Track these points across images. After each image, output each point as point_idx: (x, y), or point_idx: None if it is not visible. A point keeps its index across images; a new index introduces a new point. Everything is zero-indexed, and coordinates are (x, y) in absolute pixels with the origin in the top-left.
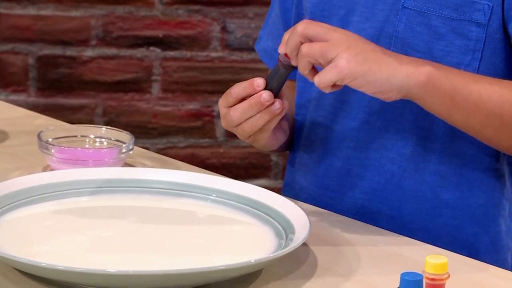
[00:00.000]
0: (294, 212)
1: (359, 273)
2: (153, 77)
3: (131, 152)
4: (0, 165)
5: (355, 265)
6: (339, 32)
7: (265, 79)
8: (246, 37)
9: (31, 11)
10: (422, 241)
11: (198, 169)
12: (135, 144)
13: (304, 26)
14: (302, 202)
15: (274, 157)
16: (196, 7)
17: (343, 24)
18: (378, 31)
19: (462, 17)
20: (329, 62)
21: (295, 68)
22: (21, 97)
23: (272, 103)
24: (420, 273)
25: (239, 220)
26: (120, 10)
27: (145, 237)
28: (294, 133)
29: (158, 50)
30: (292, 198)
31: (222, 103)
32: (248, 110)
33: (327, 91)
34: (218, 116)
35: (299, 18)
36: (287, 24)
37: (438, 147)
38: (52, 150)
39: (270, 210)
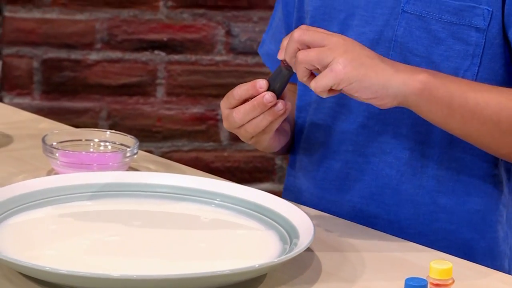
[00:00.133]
0: (299, 217)
1: (363, 279)
2: (158, 81)
3: (135, 156)
4: (5, 169)
5: (359, 270)
6: (336, 37)
7: (268, 80)
8: (251, 41)
9: (36, 14)
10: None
11: (202, 173)
12: (140, 147)
13: (300, 33)
14: (304, 206)
15: (278, 161)
16: (201, 11)
17: (343, 27)
18: (377, 35)
19: (461, 21)
20: (326, 67)
21: None
22: (26, 100)
23: (275, 104)
24: (425, 278)
25: (243, 225)
26: (125, 13)
27: (149, 241)
28: (295, 136)
29: (162, 54)
30: (292, 201)
31: (224, 105)
32: (251, 111)
33: (324, 95)
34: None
35: (300, 22)
36: (289, 28)
37: (436, 152)
38: (57, 154)
39: (274, 215)
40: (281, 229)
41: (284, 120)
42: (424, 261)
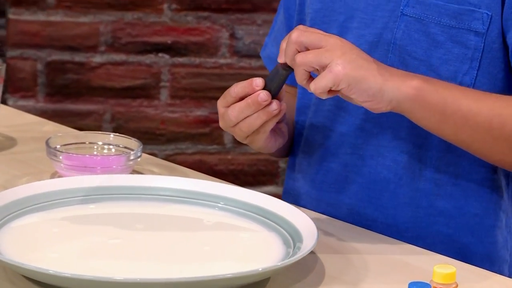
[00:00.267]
0: (302, 220)
1: (366, 282)
2: (162, 83)
3: (139, 159)
4: (8, 171)
5: (362, 274)
6: (333, 38)
7: (265, 80)
8: (255, 43)
9: (40, 17)
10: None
11: (206, 177)
12: (143, 150)
13: (298, 34)
14: (307, 210)
15: (282, 164)
16: (205, 13)
17: (343, 30)
18: (377, 37)
19: (460, 25)
20: (325, 68)
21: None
22: (30, 102)
23: (270, 104)
24: (428, 282)
25: (247, 228)
26: (129, 16)
27: (152, 245)
28: (295, 139)
29: (166, 57)
30: (291, 203)
31: (221, 103)
32: (245, 109)
33: (324, 97)
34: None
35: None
36: (290, 31)
37: (434, 155)
38: (60, 157)
39: (278, 218)
40: (285, 232)
41: (281, 121)
42: (427, 264)
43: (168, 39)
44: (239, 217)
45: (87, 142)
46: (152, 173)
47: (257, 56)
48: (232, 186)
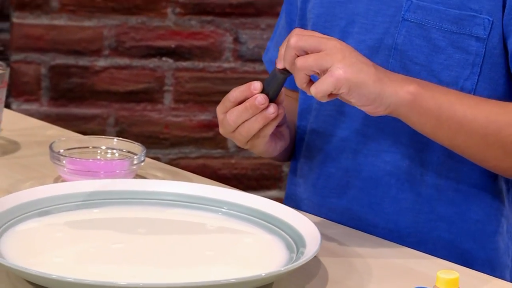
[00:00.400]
0: (305, 225)
1: (370, 287)
2: (165, 88)
3: (142, 164)
4: (12, 175)
5: (366, 279)
6: (333, 41)
7: (263, 83)
8: (259, 48)
9: (44, 20)
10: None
11: (209, 181)
12: (147, 154)
13: (296, 39)
14: (309, 214)
15: (285, 168)
16: (209, 17)
17: (344, 35)
18: (378, 43)
19: (462, 31)
20: (325, 71)
21: (291, 73)
22: (34, 106)
23: (267, 108)
24: None
25: (250, 233)
26: (133, 20)
27: (155, 249)
28: (296, 143)
29: (170, 61)
30: (293, 208)
31: (220, 109)
32: (243, 112)
33: (324, 100)
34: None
35: None
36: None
37: (435, 160)
38: (64, 161)
39: (281, 223)
40: (288, 237)
41: (282, 124)
42: (429, 269)
43: (172, 43)
44: (242, 221)
45: (90, 147)
46: (156, 177)
47: (260, 61)
48: (235, 191)
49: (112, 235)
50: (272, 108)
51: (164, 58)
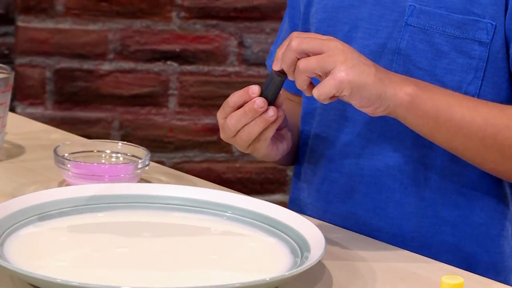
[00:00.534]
0: (309, 230)
1: None
2: (170, 91)
3: (147, 168)
4: (16, 179)
5: (370, 284)
6: (334, 42)
7: (261, 87)
8: (263, 52)
9: (49, 24)
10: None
11: (213, 185)
12: (151, 158)
13: (298, 41)
14: (313, 218)
15: (289, 172)
16: (214, 21)
17: (347, 40)
18: (381, 47)
19: (465, 35)
20: (327, 73)
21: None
22: (38, 110)
23: (266, 111)
24: None
25: (254, 237)
26: (138, 24)
27: (159, 253)
28: (300, 148)
29: (175, 65)
30: (297, 212)
31: (220, 115)
32: (242, 116)
33: (326, 102)
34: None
35: None
36: (287, 39)
37: (439, 164)
38: (68, 165)
39: (285, 227)
40: (292, 242)
41: (283, 127)
42: (433, 274)
43: (176, 47)
44: (246, 226)
45: (95, 151)
46: (160, 181)
47: (265, 65)
48: (239, 195)
49: (116, 239)
50: (271, 111)
51: (168, 62)
